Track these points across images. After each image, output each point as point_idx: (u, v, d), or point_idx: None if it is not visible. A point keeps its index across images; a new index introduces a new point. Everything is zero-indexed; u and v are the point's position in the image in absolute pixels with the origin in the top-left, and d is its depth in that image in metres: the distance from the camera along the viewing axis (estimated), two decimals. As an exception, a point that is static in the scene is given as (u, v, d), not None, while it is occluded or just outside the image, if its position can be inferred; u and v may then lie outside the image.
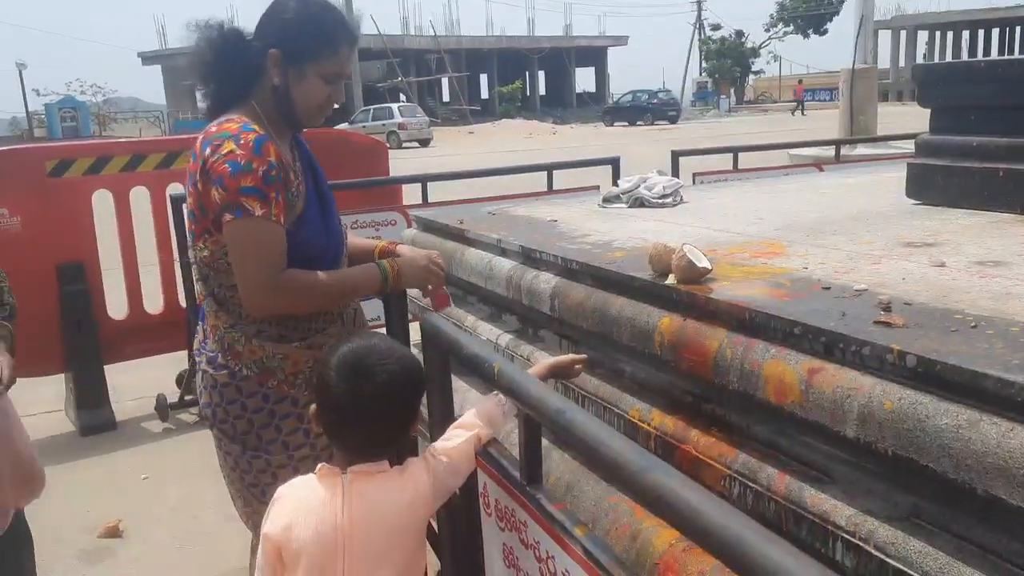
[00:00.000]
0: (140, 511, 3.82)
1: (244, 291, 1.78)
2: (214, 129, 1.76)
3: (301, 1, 1.86)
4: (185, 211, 1.88)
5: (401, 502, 1.53)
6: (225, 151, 1.71)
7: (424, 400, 1.70)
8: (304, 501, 1.54)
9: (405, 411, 1.57)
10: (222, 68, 1.82)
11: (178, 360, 5.24)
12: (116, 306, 5.19)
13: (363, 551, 1.50)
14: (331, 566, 1.50)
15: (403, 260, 1.98)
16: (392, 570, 1.53)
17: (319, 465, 1.57)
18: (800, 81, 52.24)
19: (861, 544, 1.60)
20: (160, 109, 52.63)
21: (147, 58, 52.40)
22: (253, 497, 1.95)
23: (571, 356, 1.89)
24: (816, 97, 55.13)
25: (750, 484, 1.87)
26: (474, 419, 1.68)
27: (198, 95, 1.88)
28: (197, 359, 1.99)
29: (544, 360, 1.89)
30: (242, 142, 1.73)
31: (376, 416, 1.53)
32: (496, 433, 1.70)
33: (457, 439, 1.64)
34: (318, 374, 1.59)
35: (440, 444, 1.64)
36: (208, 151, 1.73)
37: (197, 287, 1.96)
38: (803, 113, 44.58)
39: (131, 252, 5.21)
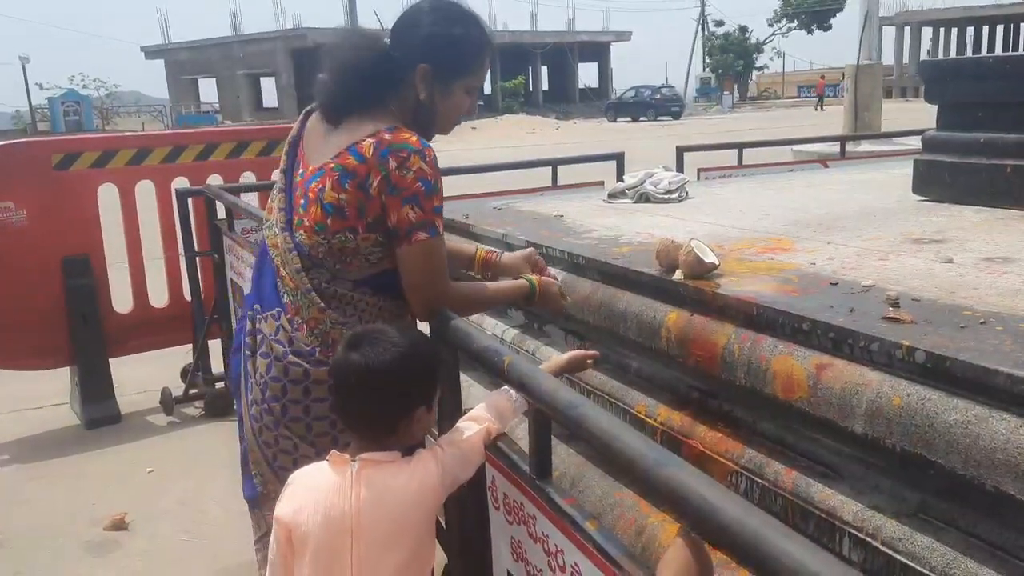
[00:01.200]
0: (146, 504, 3.83)
1: (426, 301, 1.85)
2: (389, 137, 1.75)
3: (445, 16, 1.88)
4: (304, 198, 1.84)
5: (408, 491, 1.54)
6: (415, 168, 1.73)
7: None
8: (314, 486, 1.55)
9: (402, 393, 1.56)
10: (358, 81, 1.83)
11: (183, 354, 5.25)
12: (121, 300, 5.20)
13: (371, 537, 1.51)
14: (340, 551, 1.51)
15: (545, 282, 2.08)
16: (400, 556, 1.54)
17: (331, 452, 1.58)
18: (823, 76, 51.49)
19: (868, 540, 1.60)
20: (163, 103, 52.66)
21: (150, 52, 52.42)
22: None
23: (583, 352, 1.89)
24: (837, 93, 54.93)
25: (757, 480, 1.88)
26: (484, 412, 1.69)
27: (321, 95, 1.89)
28: (266, 348, 1.89)
29: (556, 356, 1.89)
30: (427, 159, 1.76)
31: (368, 392, 1.53)
32: (505, 427, 1.70)
33: (467, 431, 1.65)
34: None
35: (450, 436, 1.65)
36: (393, 163, 1.73)
37: (285, 272, 1.87)
38: (822, 108, 44.31)
39: (136, 246, 5.21)
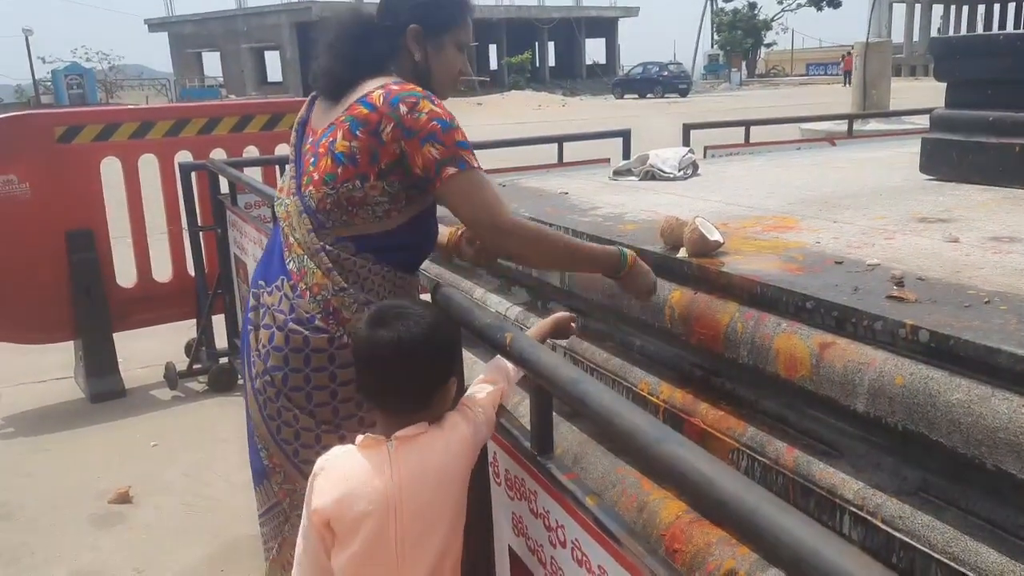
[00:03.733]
0: (150, 477, 3.86)
1: (488, 230, 1.83)
2: (396, 87, 1.79)
3: None
4: (314, 155, 1.86)
5: (447, 458, 1.54)
6: (426, 110, 1.76)
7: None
8: (352, 472, 1.52)
9: (438, 364, 1.55)
10: (355, 51, 1.89)
11: (186, 328, 5.26)
12: (125, 274, 5.21)
13: (413, 514, 1.51)
14: (384, 529, 1.50)
15: (639, 260, 2.02)
16: (442, 528, 1.55)
17: (362, 436, 1.55)
18: (848, 52, 51.46)
19: (869, 518, 1.61)
20: (166, 77, 52.49)
21: (153, 25, 52.18)
22: (301, 475, 1.89)
23: (566, 314, 1.87)
24: (826, 72, 54.89)
25: (758, 457, 1.88)
26: (494, 375, 1.70)
27: (321, 76, 1.92)
28: (268, 319, 1.90)
29: (540, 321, 1.87)
30: (435, 102, 1.80)
31: (405, 367, 1.52)
32: (511, 389, 1.72)
33: (485, 390, 1.66)
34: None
35: (471, 396, 1.65)
36: (403, 109, 1.75)
37: (294, 240, 1.88)
38: (849, 84, 44.21)
39: (140, 220, 5.21)
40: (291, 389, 1.88)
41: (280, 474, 1.99)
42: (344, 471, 1.54)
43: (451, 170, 1.78)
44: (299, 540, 1.61)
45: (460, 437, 1.56)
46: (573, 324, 1.92)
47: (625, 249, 1.98)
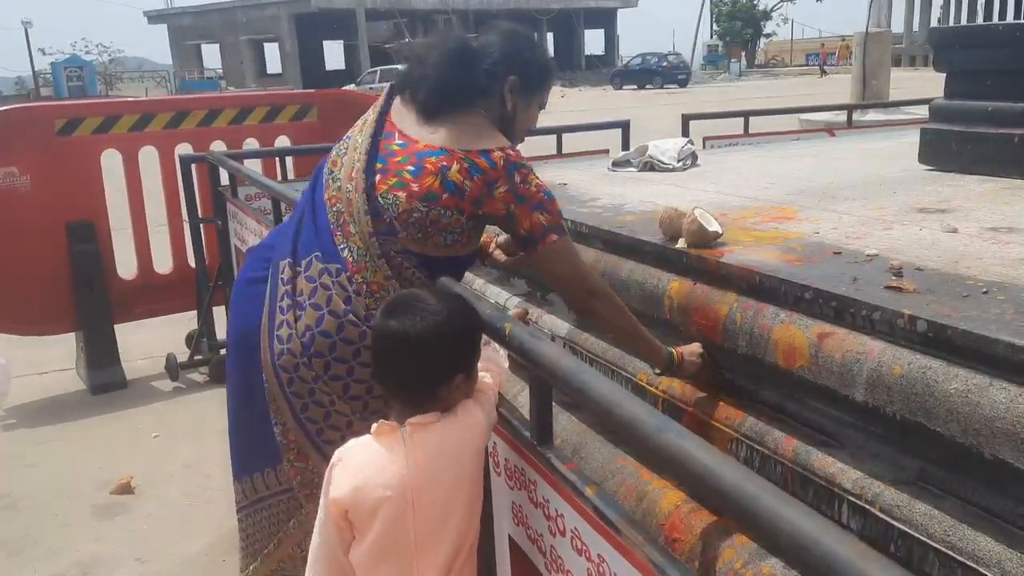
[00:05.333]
0: (152, 468, 3.87)
1: (580, 294, 2.01)
2: (513, 154, 1.94)
3: (526, 38, 2.15)
4: (415, 166, 1.91)
5: (463, 443, 1.55)
6: (535, 182, 1.95)
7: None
8: (369, 461, 1.53)
9: (440, 361, 1.55)
10: (459, 78, 1.99)
11: (187, 320, 5.27)
12: (126, 266, 5.21)
13: (430, 499, 1.51)
14: (401, 518, 1.50)
15: (688, 356, 2.07)
16: (458, 511, 1.55)
17: (376, 423, 1.56)
18: (823, 44, 52.34)
19: (867, 507, 1.62)
20: (166, 69, 52.30)
21: (153, 17, 52.06)
22: (320, 455, 1.92)
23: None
24: (826, 61, 54.99)
25: (757, 447, 1.89)
26: (487, 363, 1.71)
27: (421, 84, 1.99)
28: (320, 299, 1.90)
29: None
30: (538, 176, 1.99)
31: (408, 360, 1.54)
32: (505, 377, 1.74)
33: (487, 378, 1.67)
34: None
35: (481, 380, 1.66)
36: (517, 178, 1.92)
37: (354, 230, 1.90)
38: (824, 74, 44.79)
39: (140, 212, 5.21)
40: (331, 377, 1.89)
41: (294, 451, 1.99)
42: (360, 460, 1.54)
43: (554, 236, 1.96)
44: (315, 536, 1.60)
45: (475, 422, 1.57)
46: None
47: (672, 350, 2.06)
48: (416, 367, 1.54)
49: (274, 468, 2.06)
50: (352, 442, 1.60)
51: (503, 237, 2.22)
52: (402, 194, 1.87)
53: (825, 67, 47.34)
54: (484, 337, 1.66)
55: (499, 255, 2.31)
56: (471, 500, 1.59)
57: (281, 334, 1.93)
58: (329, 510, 1.54)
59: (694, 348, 2.07)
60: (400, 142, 1.96)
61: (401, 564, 1.53)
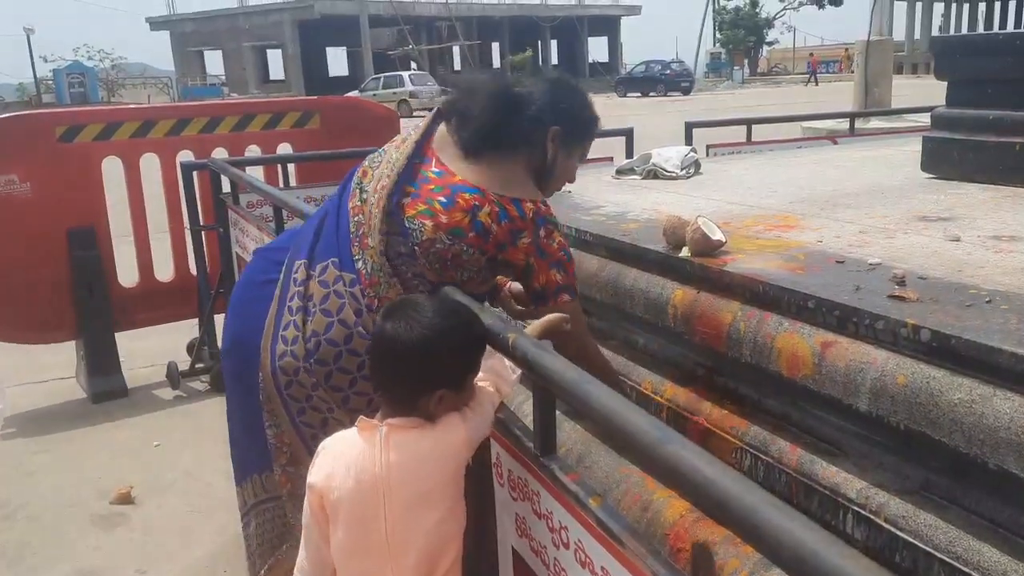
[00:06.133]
0: (152, 477, 3.86)
1: (574, 355, 1.89)
2: (544, 208, 1.97)
3: (579, 93, 2.16)
4: (447, 197, 1.90)
5: (436, 452, 1.55)
6: (558, 239, 1.98)
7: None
8: (344, 452, 1.57)
9: (422, 373, 1.55)
10: (505, 122, 1.99)
11: (188, 328, 5.26)
12: (127, 273, 5.21)
13: (403, 500, 1.53)
14: (372, 515, 1.53)
15: None
16: (432, 517, 1.56)
17: (359, 418, 1.59)
18: (812, 54, 53.07)
19: (872, 517, 1.61)
20: (168, 75, 52.43)
21: (155, 24, 52.17)
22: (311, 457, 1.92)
23: (558, 315, 1.88)
24: (829, 69, 55.20)
25: (761, 456, 1.88)
26: (491, 376, 1.70)
27: (472, 125, 1.97)
28: (330, 305, 1.90)
29: (534, 323, 1.88)
30: (564, 234, 2.04)
31: (392, 365, 1.56)
32: (510, 389, 1.72)
33: (485, 393, 1.66)
34: None
35: (480, 391, 1.66)
36: (543, 233, 1.95)
37: (371, 243, 1.90)
38: (816, 83, 45.02)
39: (141, 219, 5.21)
40: (331, 387, 1.89)
41: (287, 455, 1.98)
42: (338, 450, 1.59)
43: (566, 297, 1.98)
44: (303, 525, 1.64)
45: (453, 436, 1.57)
46: (567, 326, 1.91)
47: None
48: (399, 374, 1.56)
49: (261, 475, 2.06)
50: (338, 433, 1.64)
51: (516, 284, 2.21)
52: (429, 222, 1.87)
53: (816, 75, 48.03)
54: (491, 349, 1.66)
55: (509, 300, 2.28)
56: (449, 509, 1.59)
57: (286, 335, 1.92)
58: (310, 497, 1.59)
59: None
60: (436, 170, 1.95)
61: (374, 562, 1.55)
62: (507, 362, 1.70)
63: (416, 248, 1.87)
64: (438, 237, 1.86)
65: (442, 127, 2.03)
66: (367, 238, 1.90)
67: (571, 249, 2.05)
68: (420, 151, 1.99)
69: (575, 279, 2.02)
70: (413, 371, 1.54)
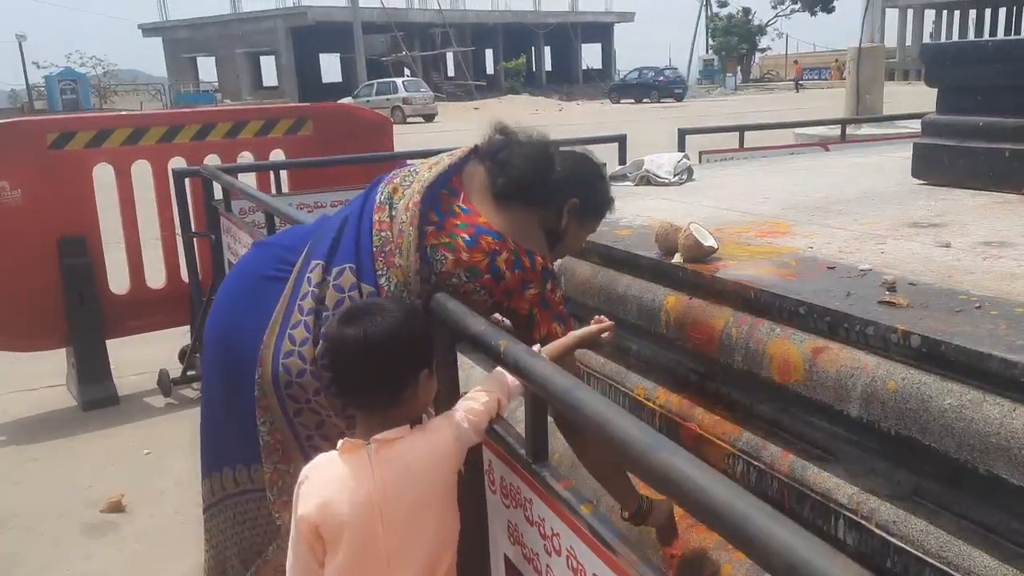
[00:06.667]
0: (143, 486, 3.84)
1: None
2: (551, 266, 2.01)
3: (601, 173, 2.21)
4: (470, 236, 1.93)
5: (427, 460, 1.55)
6: (559, 292, 2.01)
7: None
8: (333, 478, 1.54)
9: (405, 357, 1.57)
10: (536, 181, 2.02)
11: (180, 335, 5.24)
12: (118, 281, 5.19)
13: (398, 514, 1.52)
14: (371, 535, 1.51)
15: (658, 503, 1.98)
16: (428, 527, 1.55)
17: (341, 440, 1.57)
18: (796, 61, 54.61)
19: (863, 522, 1.61)
20: (161, 82, 52.35)
21: (148, 30, 52.10)
22: (304, 457, 1.88)
23: (597, 325, 1.88)
24: (822, 76, 55.79)
25: (753, 462, 1.88)
26: (491, 385, 1.68)
27: (506, 172, 2.01)
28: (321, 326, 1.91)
29: (566, 336, 1.87)
30: (562, 284, 2.07)
31: (373, 361, 1.55)
32: (511, 401, 1.71)
33: (479, 398, 1.65)
34: None
35: (462, 402, 1.65)
36: (548, 285, 1.97)
37: (398, 262, 1.90)
38: (799, 90, 46.13)
39: (133, 226, 5.19)
40: (332, 394, 1.87)
41: (279, 451, 1.96)
42: (326, 476, 1.55)
43: (560, 327, 1.97)
44: (289, 552, 1.60)
45: (442, 440, 1.57)
46: (606, 335, 1.89)
47: (645, 497, 1.97)
48: (382, 366, 1.55)
49: (247, 466, 2.03)
50: (318, 458, 1.61)
51: (506, 322, 2.18)
52: (450, 256, 1.90)
53: (799, 82, 49.95)
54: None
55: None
56: (443, 516, 1.59)
57: (295, 334, 1.89)
58: (299, 528, 1.55)
59: (666, 503, 1.93)
60: (464, 207, 1.98)
61: None
62: (509, 376, 1.68)
63: (434, 277, 1.91)
64: (456, 272, 1.90)
65: (476, 166, 2.06)
66: (393, 256, 1.90)
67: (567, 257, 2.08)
68: (448, 181, 2.02)
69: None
70: (397, 356, 1.55)
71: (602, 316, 1.94)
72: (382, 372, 1.55)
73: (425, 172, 2.01)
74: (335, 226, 2.01)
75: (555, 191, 2.04)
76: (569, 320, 2.01)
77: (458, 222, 1.93)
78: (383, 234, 1.93)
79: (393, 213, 1.95)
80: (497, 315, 2.16)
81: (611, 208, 2.21)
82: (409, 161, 2.10)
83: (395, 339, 1.55)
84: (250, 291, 2.05)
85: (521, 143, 2.08)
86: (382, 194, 2.00)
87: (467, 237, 1.91)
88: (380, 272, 1.90)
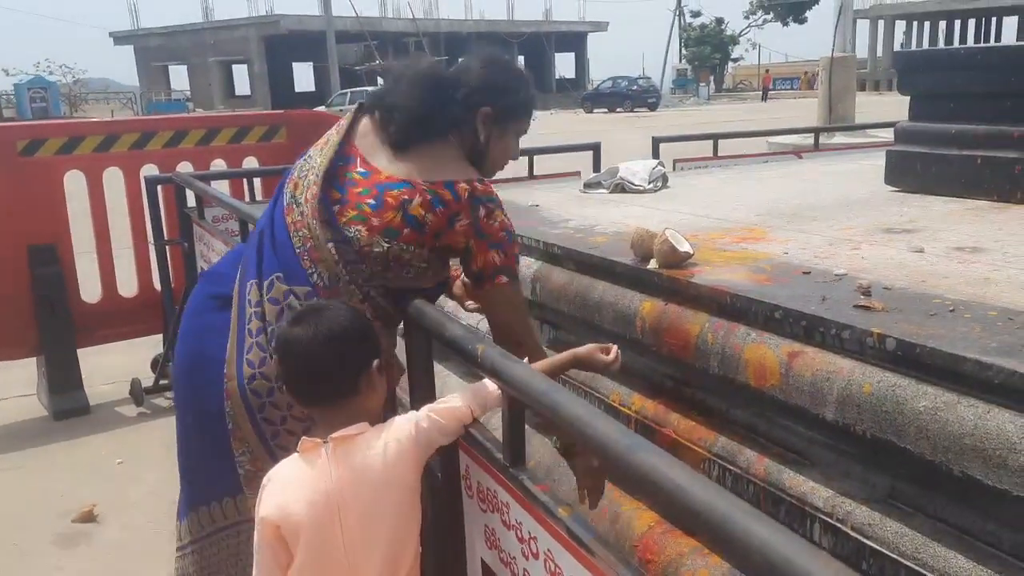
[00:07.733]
0: (116, 495, 3.79)
1: (515, 337, 1.94)
2: (480, 187, 1.91)
3: (513, 69, 2.11)
4: (374, 199, 1.87)
5: (384, 456, 1.54)
6: (499, 219, 1.92)
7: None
8: (292, 477, 1.55)
9: (358, 348, 1.60)
10: (432, 108, 1.95)
11: (152, 344, 5.18)
12: (89, 289, 5.12)
13: (357, 510, 1.52)
14: (330, 533, 1.51)
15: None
16: (387, 522, 1.55)
17: (301, 440, 1.57)
18: (767, 71, 56.19)
19: (838, 525, 1.62)
20: (132, 90, 51.87)
21: (119, 38, 51.63)
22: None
23: (598, 346, 1.75)
24: (794, 86, 56.60)
25: (729, 467, 1.89)
26: (468, 394, 1.67)
27: (396, 114, 1.93)
28: None
29: (565, 352, 1.80)
30: (506, 213, 1.96)
31: (327, 353, 1.57)
32: (482, 414, 1.70)
33: (449, 401, 1.64)
34: None
35: (431, 404, 1.65)
36: (482, 212, 1.89)
37: (321, 256, 1.86)
38: (765, 100, 47.32)
39: (104, 234, 5.13)
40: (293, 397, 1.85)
41: (260, 479, 1.93)
42: (284, 479, 1.56)
43: (504, 279, 1.93)
44: (254, 556, 1.60)
45: (401, 436, 1.57)
46: (608, 356, 1.74)
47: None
48: (337, 357, 1.57)
49: (233, 498, 2.00)
50: (281, 463, 1.62)
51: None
52: (363, 228, 1.85)
53: (767, 92, 51.52)
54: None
55: (459, 290, 2.27)
56: (403, 519, 1.58)
57: (252, 358, 1.87)
58: (261, 530, 1.55)
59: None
60: (362, 170, 1.92)
61: None
62: (490, 386, 1.64)
63: (359, 254, 1.86)
64: (375, 240, 1.85)
65: (366, 122, 2.00)
66: (315, 251, 1.87)
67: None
68: (343, 152, 1.96)
69: (516, 261, 1.98)
70: (350, 347, 1.58)
71: (612, 345, 1.77)
72: (339, 358, 1.57)
73: (318, 158, 1.96)
74: (255, 242, 1.99)
75: (461, 109, 1.97)
76: (510, 247, 1.93)
77: (359, 189, 1.88)
78: (300, 233, 1.89)
79: (300, 209, 1.91)
80: (464, 276, 2.12)
81: (532, 101, 2.11)
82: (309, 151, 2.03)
83: (345, 328, 1.59)
84: (207, 327, 2.02)
85: (406, 76, 1.99)
86: (287, 194, 1.96)
87: (371, 201, 1.86)
88: (310, 271, 1.87)
